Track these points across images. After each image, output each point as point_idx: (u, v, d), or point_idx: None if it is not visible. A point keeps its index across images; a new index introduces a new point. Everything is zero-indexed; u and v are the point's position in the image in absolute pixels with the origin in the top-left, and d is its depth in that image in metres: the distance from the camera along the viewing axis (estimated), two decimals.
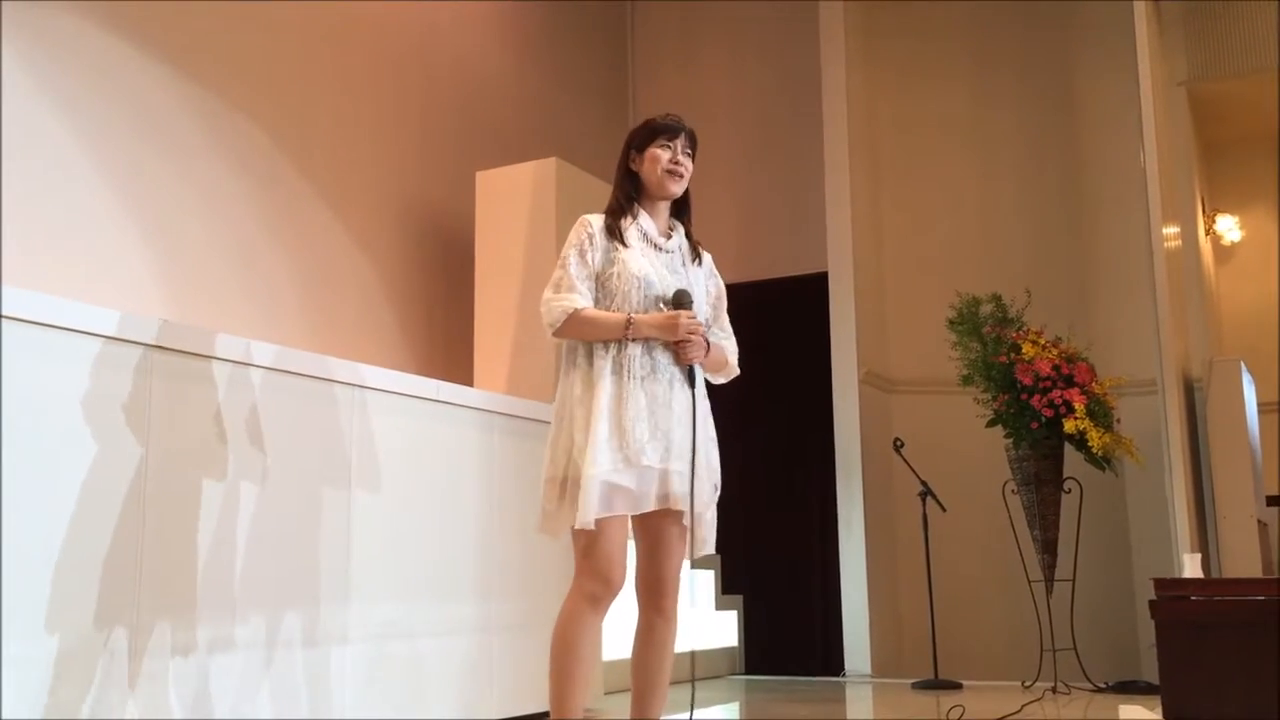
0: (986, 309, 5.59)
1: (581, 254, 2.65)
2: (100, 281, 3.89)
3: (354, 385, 3.40)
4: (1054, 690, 5.16)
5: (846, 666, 6.13)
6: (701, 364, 2.68)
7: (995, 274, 6.30)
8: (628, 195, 2.74)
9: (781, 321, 6.88)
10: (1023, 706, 4.51)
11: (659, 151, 2.70)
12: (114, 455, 2.65)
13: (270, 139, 4.72)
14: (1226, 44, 6.83)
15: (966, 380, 5.57)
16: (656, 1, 7.70)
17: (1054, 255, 6.88)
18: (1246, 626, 3.70)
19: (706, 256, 2.84)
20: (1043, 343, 5.45)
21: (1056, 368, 5.33)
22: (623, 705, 2.98)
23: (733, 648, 6.45)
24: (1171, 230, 6.03)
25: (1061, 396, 5.25)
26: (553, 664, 2.50)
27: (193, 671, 2.79)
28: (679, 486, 2.56)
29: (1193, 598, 3.90)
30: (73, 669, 2.51)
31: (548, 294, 2.63)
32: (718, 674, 6.25)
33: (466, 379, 5.22)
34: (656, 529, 2.62)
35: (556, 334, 2.63)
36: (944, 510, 5.71)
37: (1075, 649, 5.26)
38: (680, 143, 2.72)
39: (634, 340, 2.59)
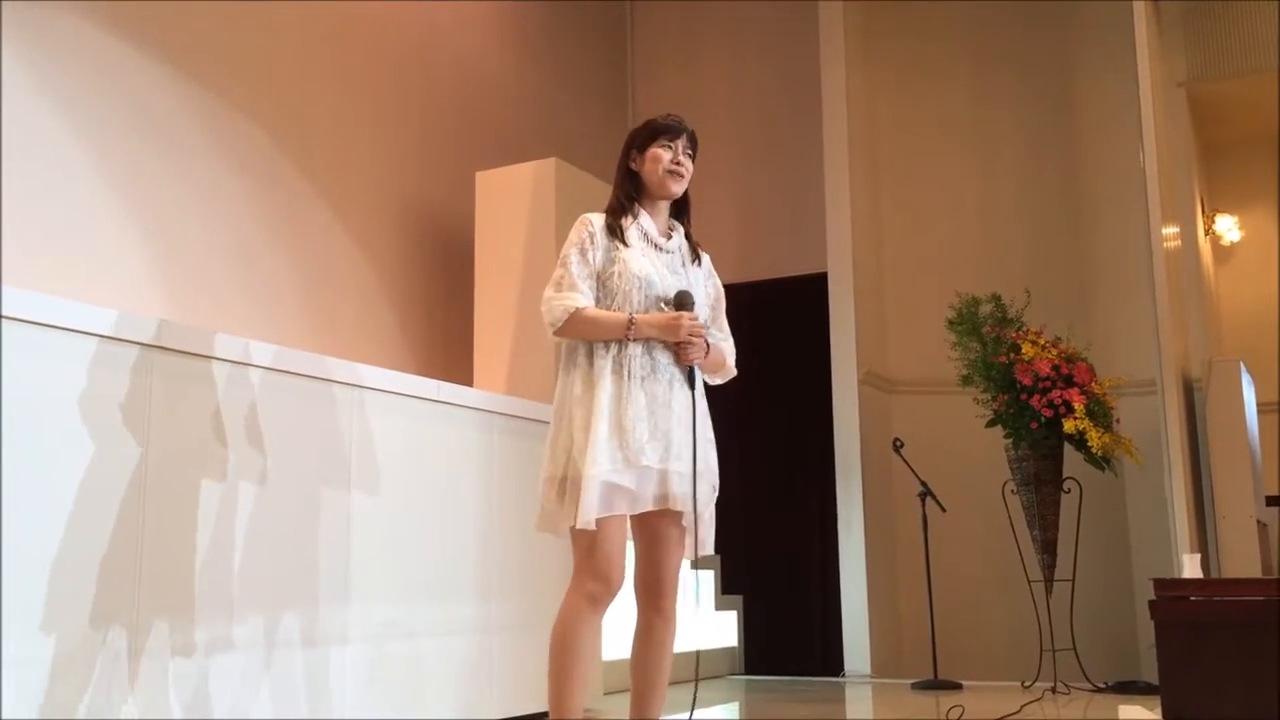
0: (986, 309, 5.59)
1: (583, 253, 2.65)
2: (100, 281, 3.89)
3: (353, 385, 3.40)
4: (1053, 690, 5.16)
5: (846, 667, 6.13)
6: (700, 365, 2.68)
7: (995, 274, 6.30)
8: (628, 195, 2.74)
9: (781, 322, 6.88)
10: (1022, 707, 4.52)
11: (660, 151, 2.70)
12: (113, 455, 2.65)
13: (270, 139, 4.72)
14: (1226, 45, 6.83)
15: (966, 380, 5.57)
16: (656, 1, 7.70)
17: (1053, 255, 6.88)
18: (1246, 627, 3.70)
19: (705, 257, 2.84)
20: (1042, 343, 5.45)
21: (1056, 368, 5.34)
22: (622, 705, 2.98)
23: (732, 648, 6.45)
24: (1171, 230, 6.03)
25: (1061, 397, 5.26)
26: (552, 664, 2.50)
27: (192, 671, 2.79)
28: (678, 487, 2.56)
29: (1192, 598, 3.91)
30: (72, 669, 2.51)
31: (549, 293, 2.63)
32: (717, 674, 6.25)
33: (466, 379, 5.22)
34: (655, 529, 2.62)
35: (557, 333, 2.63)
36: (943, 510, 5.71)
37: (1075, 649, 5.26)
38: (681, 143, 2.72)
39: (635, 340, 2.59)
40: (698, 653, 3.24)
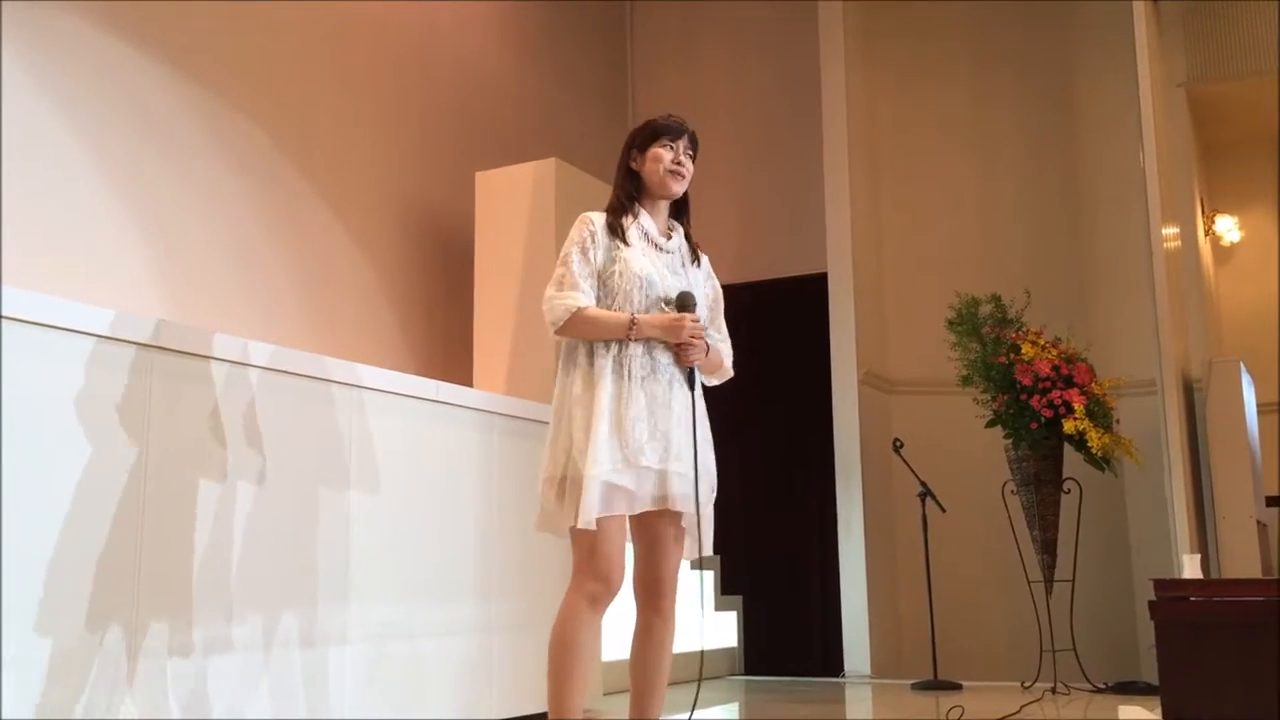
0: (986, 309, 5.59)
1: (584, 251, 2.64)
2: (100, 281, 3.88)
3: (352, 385, 3.40)
4: (1053, 691, 5.16)
5: (846, 667, 6.13)
6: (700, 366, 2.68)
7: (995, 274, 6.30)
8: (629, 194, 2.74)
9: (781, 322, 6.88)
10: (1022, 707, 4.52)
11: (661, 151, 2.70)
12: (112, 455, 2.65)
13: (270, 139, 4.72)
14: (1226, 45, 6.83)
15: (966, 381, 5.57)
16: (656, 1, 7.70)
17: (1053, 256, 6.88)
18: (1246, 627, 3.70)
19: (704, 258, 2.84)
20: (1042, 343, 5.45)
21: (1056, 368, 5.34)
22: (622, 705, 2.98)
23: (732, 648, 6.45)
24: (1171, 231, 6.03)
25: (1061, 397, 5.26)
26: (551, 664, 2.50)
27: (190, 671, 2.79)
28: (678, 487, 2.56)
29: (1192, 598, 3.91)
30: (70, 669, 2.51)
31: (550, 291, 2.63)
32: (717, 674, 6.25)
33: (466, 379, 5.22)
34: (655, 530, 2.62)
35: (559, 332, 2.62)
36: (943, 511, 5.71)
37: (1075, 649, 5.26)
38: (683, 144, 2.73)
39: (636, 340, 2.59)
40: (702, 652, 3.23)
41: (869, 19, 7.10)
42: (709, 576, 6.26)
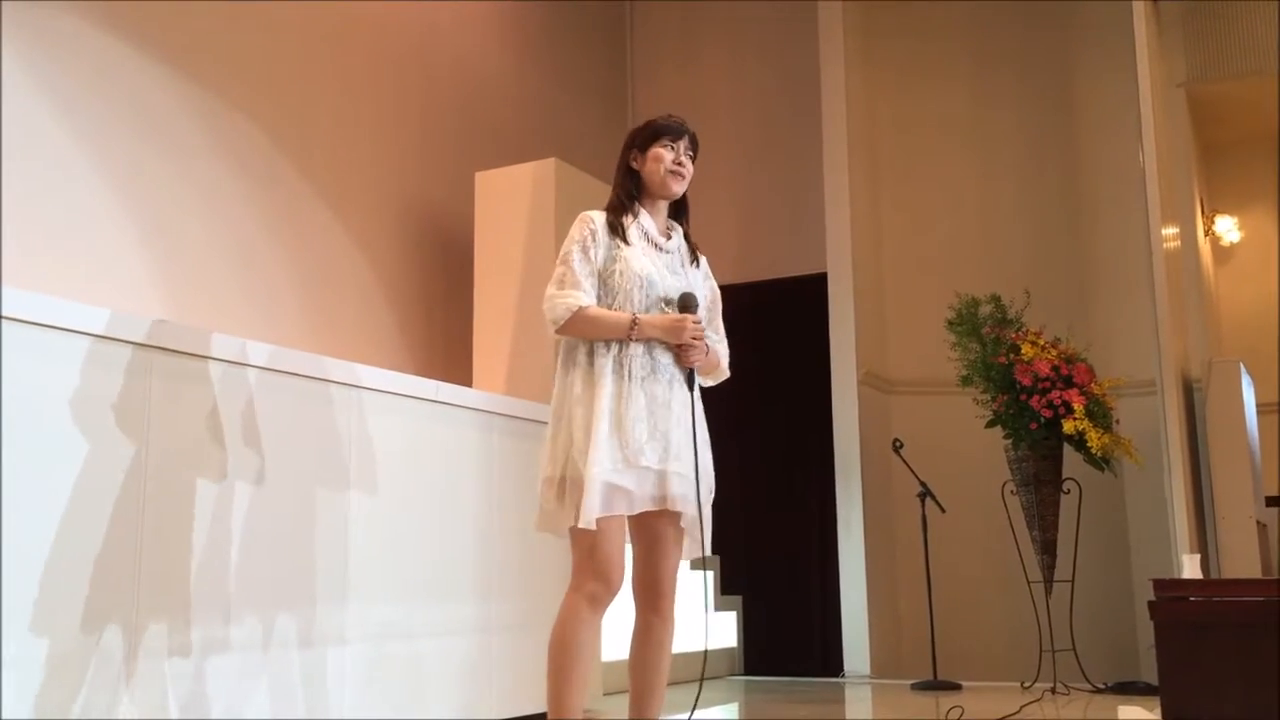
0: (986, 310, 5.59)
1: (584, 250, 2.64)
2: (100, 282, 3.89)
3: (350, 385, 3.39)
4: (1053, 691, 5.16)
5: (845, 667, 6.13)
6: (699, 367, 2.68)
7: (995, 274, 6.30)
8: (629, 193, 2.73)
9: (781, 322, 6.88)
10: (1022, 707, 4.52)
11: (662, 151, 2.70)
12: (111, 455, 2.65)
13: (270, 139, 4.72)
14: (1225, 45, 6.83)
15: (966, 381, 5.57)
16: (656, 1, 7.70)
17: (1053, 256, 6.88)
18: (1245, 627, 3.70)
19: (703, 259, 2.84)
20: (1042, 343, 5.45)
21: (1055, 368, 5.34)
22: (621, 706, 2.98)
23: (732, 648, 6.45)
24: (1170, 231, 6.03)
25: (1061, 397, 5.26)
26: (551, 665, 2.50)
27: (189, 671, 2.79)
28: (677, 487, 2.56)
29: (1192, 598, 3.91)
30: (68, 668, 2.50)
31: (551, 290, 2.62)
32: (717, 674, 6.25)
33: (465, 379, 5.22)
34: (654, 530, 2.62)
35: (560, 331, 2.61)
36: (943, 511, 5.71)
37: (1074, 650, 5.26)
38: (683, 144, 2.73)
39: (637, 340, 2.59)
40: (705, 652, 3.23)
41: (869, 19, 7.10)
42: (708, 577, 6.26)
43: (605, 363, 2.57)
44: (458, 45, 6.02)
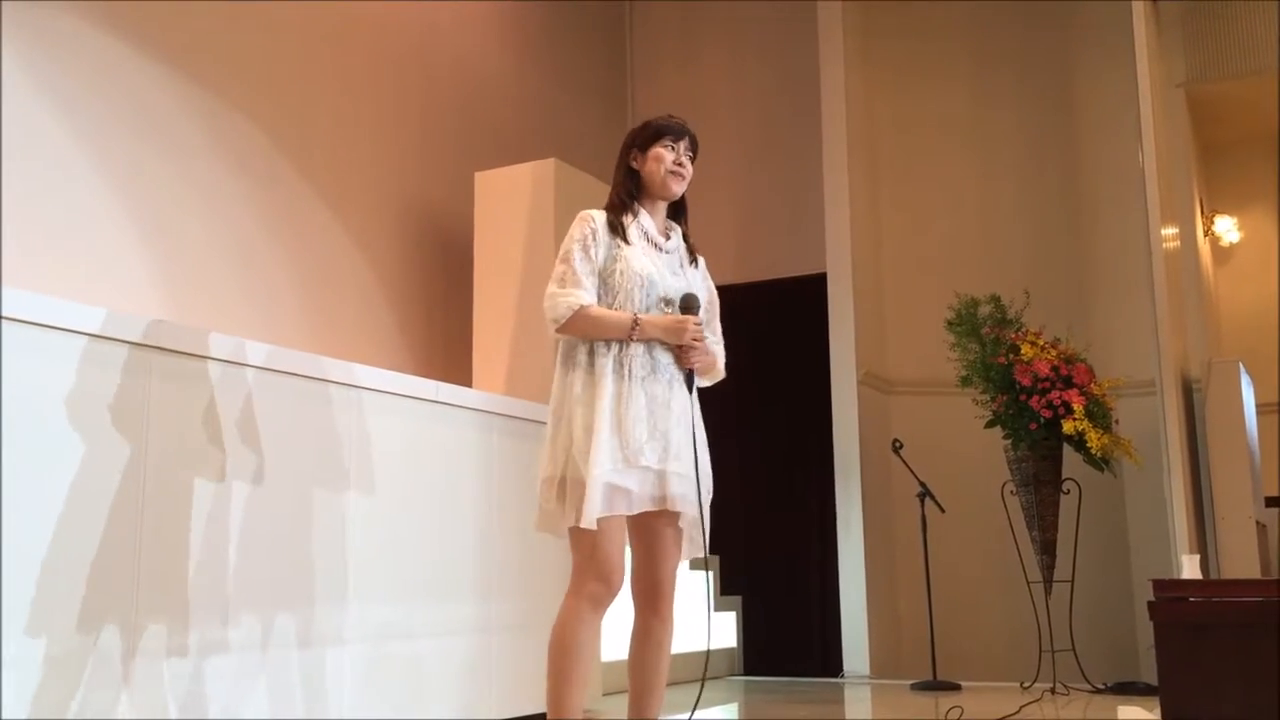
0: (985, 310, 5.59)
1: (585, 249, 2.63)
2: (100, 282, 3.89)
3: (349, 385, 3.39)
4: (1053, 691, 5.16)
5: (845, 667, 6.13)
6: (697, 368, 2.68)
7: (994, 274, 6.30)
8: (629, 193, 2.73)
9: (780, 322, 6.88)
10: (1021, 708, 4.52)
11: (663, 151, 2.70)
12: (110, 455, 2.65)
13: (270, 139, 4.72)
14: (1225, 45, 6.83)
15: (965, 381, 5.57)
16: (656, 1, 7.70)
17: (1053, 256, 6.88)
18: (1245, 628, 3.70)
19: (701, 260, 2.84)
20: (1041, 344, 5.45)
21: (1055, 369, 5.34)
22: (621, 706, 2.98)
23: (731, 648, 6.45)
24: (1170, 231, 6.03)
25: (1060, 397, 5.26)
26: (551, 666, 2.49)
27: (187, 671, 2.79)
28: (677, 488, 2.56)
29: (1191, 599, 3.91)
30: (67, 668, 2.50)
31: (552, 288, 2.61)
32: (716, 674, 6.25)
33: (465, 380, 5.22)
34: (653, 531, 2.62)
35: (560, 330, 2.60)
36: (942, 511, 5.71)
37: (1074, 650, 5.26)
38: (684, 145, 2.73)
39: (638, 341, 2.59)
40: (707, 652, 3.23)
41: (868, 19, 7.10)
42: (707, 576, 6.25)
43: (606, 362, 2.57)
44: (458, 45, 6.02)
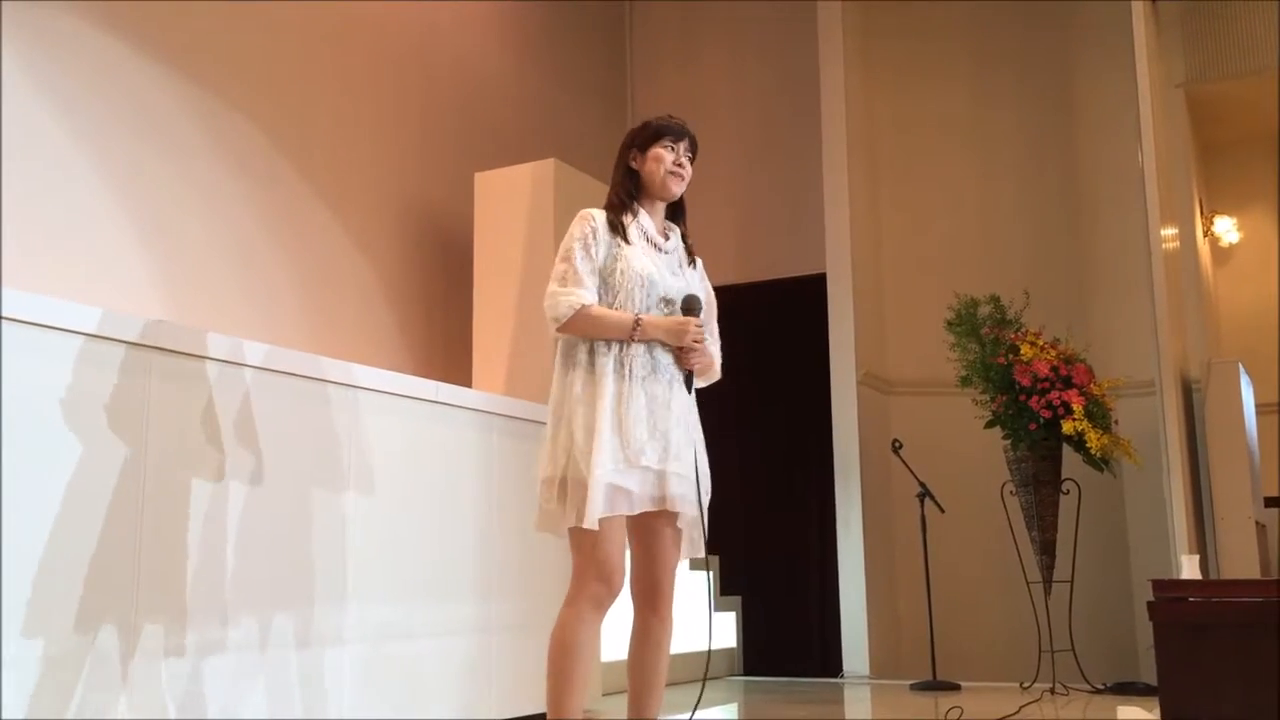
0: (985, 310, 5.59)
1: (586, 248, 2.62)
2: (99, 282, 3.89)
3: (348, 385, 3.39)
4: (1052, 691, 5.16)
5: (844, 667, 6.13)
6: (696, 369, 2.68)
7: (994, 274, 6.30)
8: (628, 193, 2.73)
9: (780, 322, 6.88)
10: (1021, 708, 4.52)
11: (663, 152, 2.70)
12: (109, 455, 2.65)
13: (270, 139, 4.72)
14: (1224, 45, 6.84)
15: (965, 381, 5.57)
16: (656, 1, 7.70)
17: (1053, 256, 6.88)
18: (1244, 628, 3.70)
19: (699, 261, 2.84)
20: (1041, 344, 5.46)
21: (1055, 369, 5.34)
22: (620, 706, 2.98)
23: (731, 648, 6.45)
24: (1170, 231, 6.03)
25: (1060, 398, 5.26)
26: (551, 666, 2.49)
27: (186, 672, 2.78)
28: (677, 488, 2.56)
29: (1191, 599, 3.90)
30: (65, 669, 2.50)
31: (553, 287, 2.61)
32: (715, 674, 6.25)
33: (465, 380, 5.22)
34: (652, 531, 2.62)
35: (561, 329, 2.60)
36: (942, 511, 5.72)
37: (1074, 650, 5.26)
38: (684, 145, 2.73)
39: (638, 341, 2.58)
40: (708, 652, 3.23)
41: (868, 19, 7.11)
42: (707, 576, 6.26)
43: (606, 362, 2.56)
44: (458, 45, 6.02)
